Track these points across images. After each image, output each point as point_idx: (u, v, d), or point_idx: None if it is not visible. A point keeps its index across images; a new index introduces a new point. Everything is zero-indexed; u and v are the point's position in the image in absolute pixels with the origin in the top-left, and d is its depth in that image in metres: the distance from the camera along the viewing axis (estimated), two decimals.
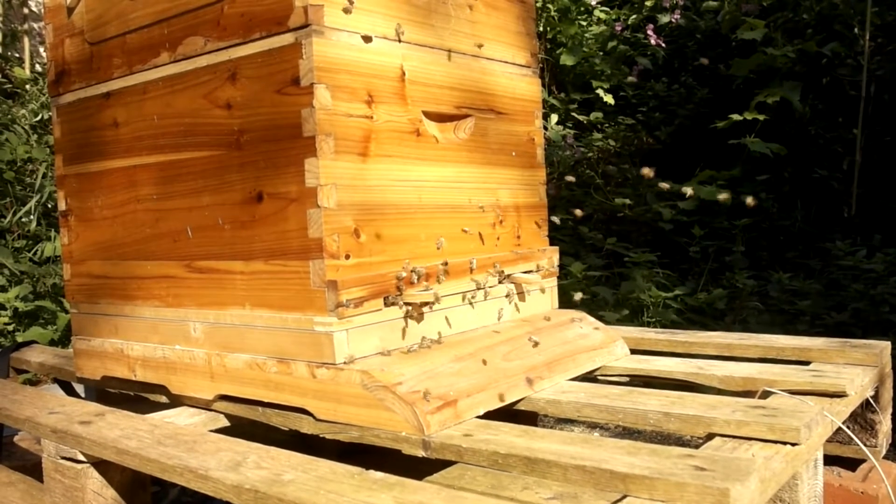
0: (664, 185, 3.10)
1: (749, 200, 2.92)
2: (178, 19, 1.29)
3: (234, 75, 1.21)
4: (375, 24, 1.21)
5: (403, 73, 1.25)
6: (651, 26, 4.34)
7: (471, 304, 1.35)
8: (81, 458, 1.15)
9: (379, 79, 1.21)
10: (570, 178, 3.22)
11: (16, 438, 1.65)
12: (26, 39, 4.57)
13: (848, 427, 1.30)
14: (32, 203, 3.41)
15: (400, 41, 1.24)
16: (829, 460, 1.30)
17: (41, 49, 4.56)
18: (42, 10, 1.55)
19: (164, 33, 1.31)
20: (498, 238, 1.45)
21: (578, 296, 2.68)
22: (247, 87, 1.19)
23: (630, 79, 4.11)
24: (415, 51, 1.28)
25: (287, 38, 1.13)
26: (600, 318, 1.67)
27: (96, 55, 1.44)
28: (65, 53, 1.51)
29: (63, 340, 2.67)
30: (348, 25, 1.16)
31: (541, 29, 4.35)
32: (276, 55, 1.15)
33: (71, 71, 1.50)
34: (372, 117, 1.19)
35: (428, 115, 1.30)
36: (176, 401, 1.36)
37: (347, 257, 1.15)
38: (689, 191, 2.85)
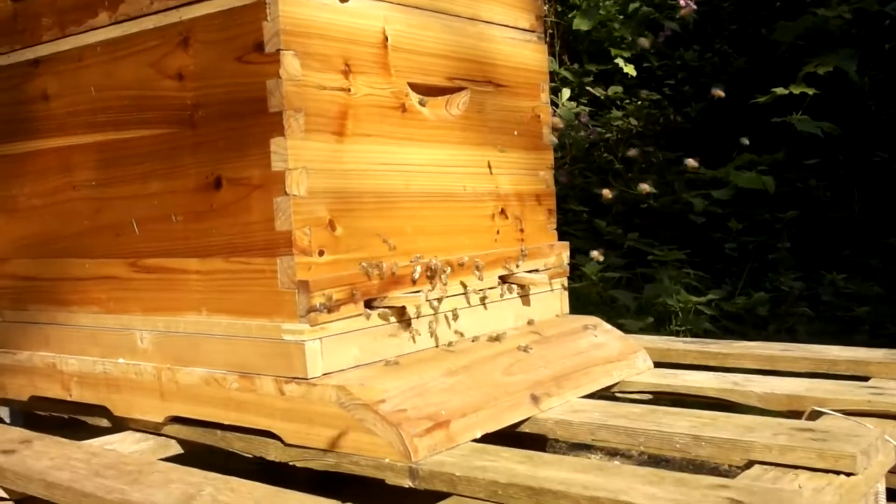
0: (692, 165, 3.10)
1: None
2: None
3: (187, 40, 1.22)
4: None
5: (386, 39, 1.26)
6: None
7: (466, 307, 1.36)
8: (2, 494, 1.15)
9: (357, 45, 1.22)
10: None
11: None
12: None
13: None
14: None
15: None
16: (894, 495, 1.31)
17: None
18: None
19: None
20: (498, 232, 1.46)
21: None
22: (202, 54, 1.20)
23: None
24: (399, 12, 1.29)
25: None
26: (619, 327, 1.68)
27: (21, 14, 1.45)
28: None
29: None
30: None
31: None
32: (237, 16, 1.16)
33: None
34: (349, 90, 1.20)
35: (415, 87, 1.32)
36: (119, 424, 1.37)
37: (321, 254, 1.16)
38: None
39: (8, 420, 1.84)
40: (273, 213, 1.14)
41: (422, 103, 1.32)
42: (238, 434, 1.21)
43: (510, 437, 1.19)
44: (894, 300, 2.86)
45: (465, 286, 1.36)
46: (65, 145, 1.41)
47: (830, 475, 0.99)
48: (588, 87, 4.23)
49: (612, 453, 2.06)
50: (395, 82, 1.28)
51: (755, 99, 3.44)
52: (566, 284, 1.60)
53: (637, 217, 3.48)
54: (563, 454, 1.72)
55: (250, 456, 1.20)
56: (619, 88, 4.16)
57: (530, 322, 1.50)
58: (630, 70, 4.13)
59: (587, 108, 4.11)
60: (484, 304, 1.40)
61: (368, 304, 1.20)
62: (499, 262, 1.43)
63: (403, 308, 1.24)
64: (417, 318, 1.27)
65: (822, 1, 3.68)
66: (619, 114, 4.03)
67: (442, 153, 1.36)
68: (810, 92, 3.30)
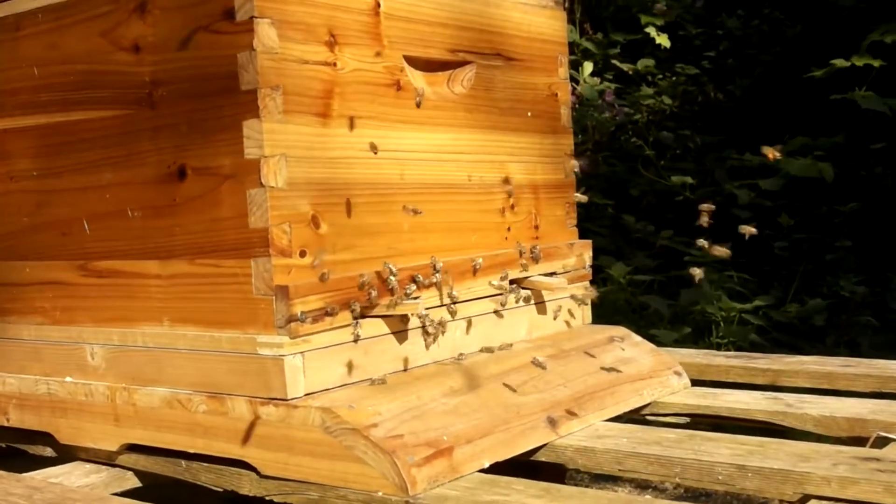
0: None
1: None
2: None
3: (144, 5, 1.22)
4: None
5: (378, 4, 1.27)
6: None
7: (472, 316, 1.37)
8: None
9: (344, 11, 1.22)
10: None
11: None
12: None
13: None
14: None
15: None
16: None
17: None
18: None
19: None
20: (509, 228, 1.47)
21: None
22: (162, 23, 1.21)
23: None
24: None
25: None
26: (651, 339, 1.68)
27: None
28: None
29: None
30: None
31: None
32: None
33: None
34: (335, 64, 1.21)
35: (412, 61, 1.32)
36: (66, 454, 1.37)
37: (303, 255, 1.16)
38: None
39: None
40: (246, 208, 1.14)
41: (420, 94, 1.32)
42: (206, 464, 1.21)
43: (523, 466, 1.19)
44: None
45: (470, 292, 1.36)
46: (0, 129, 1.42)
47: None
48: (614, 61, 4.23)
49: (643, 486, 2.06)
50: (388, 55, 1.28)
51: (811, 73, 3.43)
52: (588, 289, 1.60)
53: (671, 211, 3.49)
54: (586, 486, 1.73)
55: (220, 490, 1.21)
56: (651, 62, 4.16)
57: (547, 332, 1.50)
58: (663, 40, 4.13)
59: (613, 85, 4.11)
60: (493, 313, 1.41)
61: (358, 313, 1.20)
62: (510, 264, 1.43)
63: (398, 317, 1.25)
64: (415, 328, 1.27)
65: None
66: (651, 91, 4.03)
67: (443, 138, 1.37)
68: (876, 64, 3.29)
